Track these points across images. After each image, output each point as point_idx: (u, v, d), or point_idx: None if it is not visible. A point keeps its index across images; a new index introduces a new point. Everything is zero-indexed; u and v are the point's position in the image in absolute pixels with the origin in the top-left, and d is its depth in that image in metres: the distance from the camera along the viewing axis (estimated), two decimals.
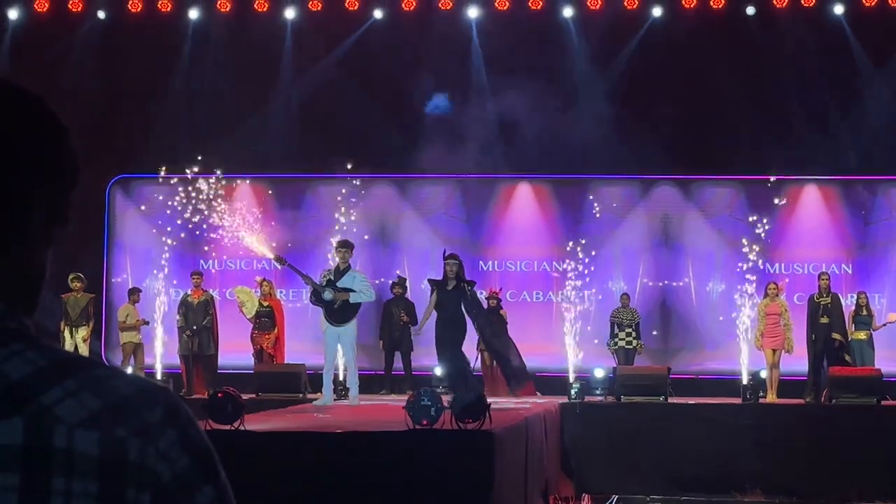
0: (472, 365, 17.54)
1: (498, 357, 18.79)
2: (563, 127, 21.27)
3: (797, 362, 19.59)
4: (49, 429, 1.48)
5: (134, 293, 21.10)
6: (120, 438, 1.50)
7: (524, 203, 22.86)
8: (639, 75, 22.01)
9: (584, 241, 22.04)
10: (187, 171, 21.41)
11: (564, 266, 22.18)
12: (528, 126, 21.34)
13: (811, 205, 22.47)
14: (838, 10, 21.93)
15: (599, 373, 19.52)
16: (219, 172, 21.34)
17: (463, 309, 16.65)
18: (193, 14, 22.58)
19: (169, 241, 22.10)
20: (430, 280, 17.56)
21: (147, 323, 20.69)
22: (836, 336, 19.21)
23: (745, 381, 18.79)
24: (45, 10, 22.59)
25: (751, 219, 21.84)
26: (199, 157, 21.37)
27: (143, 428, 1.52)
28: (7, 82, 1.63)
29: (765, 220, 21.76)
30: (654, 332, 21.74)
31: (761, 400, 18.47)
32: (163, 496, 1.52)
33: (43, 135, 1.63)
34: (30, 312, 1.61)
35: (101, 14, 22.63)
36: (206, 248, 21.94)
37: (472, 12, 22.39)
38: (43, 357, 1.54)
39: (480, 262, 22.68)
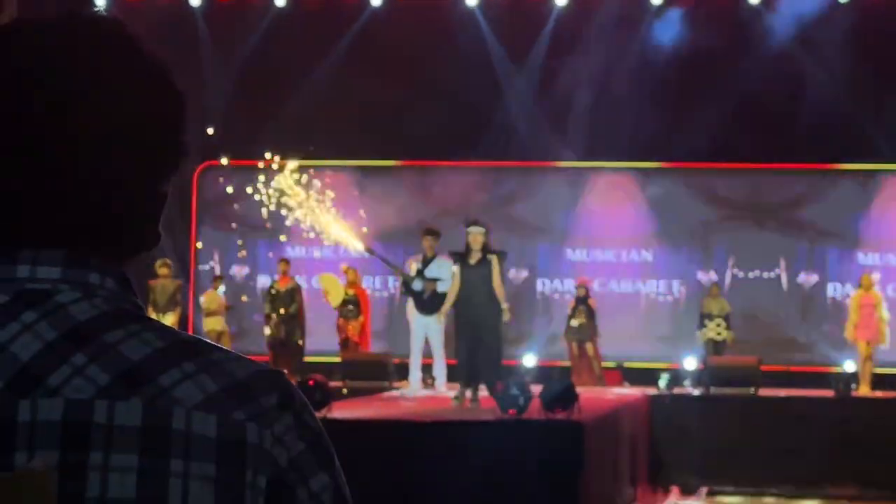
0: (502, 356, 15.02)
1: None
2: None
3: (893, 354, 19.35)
4: (167, 410, 1.46)
5: (217, 280, 21.25)
6: (238, 421, 1.48)
7: (608, 192, 22.70)
8: None
9: (677, 229, 21.91)
10: (276, 159, 21.45)
11: (654, 254, 22.04)
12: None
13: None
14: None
15: (689, 363, 19.35)
16: (308, 160, 21.36)
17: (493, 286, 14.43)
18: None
19: (256, 229, 22.20)
20: (451, 252, 15.41)
21: (231, 308, 20.79)
22: None
23: (837, 374, 18.55)
24: None
25: (844, 209, 21.58)
26: (291, 145, 21.42)
27: (260, 412, 1.50)
28: (144, 48, 1.59)
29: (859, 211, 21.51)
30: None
31: (854, 393, 18.21)
32: (279, 480, 1.50)
33: (173, 113, 1.61)
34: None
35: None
36: (291, 236, 21.99)
37: None
38: (160, 339, 1.51)
39: (568, 251, 22.56)
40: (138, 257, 1.61)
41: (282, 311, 20.07)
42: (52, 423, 1.44)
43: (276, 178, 21.30)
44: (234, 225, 22.78)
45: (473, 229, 14.63)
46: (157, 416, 1.45)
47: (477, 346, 14.15)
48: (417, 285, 16.08)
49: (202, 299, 21.08)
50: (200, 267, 23.16)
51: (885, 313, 19.25)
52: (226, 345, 16.96)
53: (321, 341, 20.69)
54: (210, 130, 21.74)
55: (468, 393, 14.28)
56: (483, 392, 14.02)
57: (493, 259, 14.46)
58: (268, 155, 21.45)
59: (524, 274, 22.56)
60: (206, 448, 1.46)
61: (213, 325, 20.56)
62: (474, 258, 14.43)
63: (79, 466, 1.43)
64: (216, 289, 20.98)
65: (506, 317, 14.58)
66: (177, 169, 1.62)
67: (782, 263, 22.05)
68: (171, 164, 1.61)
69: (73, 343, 1.48)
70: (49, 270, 1.52)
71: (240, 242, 22.65)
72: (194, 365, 1.49)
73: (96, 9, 1.67)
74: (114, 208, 1.55)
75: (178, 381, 1.47)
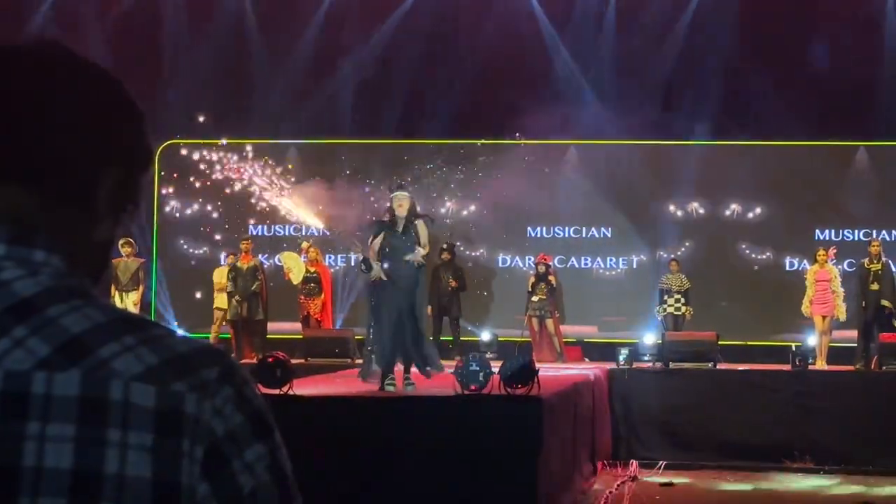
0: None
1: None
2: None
3: (846, 329, 19.52)
4: (105, 381, 1.50)
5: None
6: (177, 392, 1.52)
7: (572, 168, 22.78)
8: None
9: (635, 205, 22.04)
10: (238, 138, 21.47)
11: (613, 231, 22.17)
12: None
13: (861, 169, 22.29)
14: None
15: (648, 339, 19.49)
16: (271, 139, 21.40)
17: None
18: None
19: (217, 207, 22.20)
20: (375, 220, 13.99)
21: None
22: (886, 303, 19.07)
23: (794, 348, 18.71)
24: None
25: (801, 184, 21.76)
26: (253, 122, 21.46)
27: (200, 384, 1.54)
28: (95, 65, 1.67)
29: (815, 185, 21.69)
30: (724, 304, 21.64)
31: (810, 367, 18.38)
32: (215, 450, 1.54)
33: (121, 116, 1.67)
34: (92, 282, 1.64)
35: None
36: (254, 214, 22.03)
37: None
38: (102, 313, 1.56)
39: (528, 229, 22.65)
40: (92, 252, 1.66)
41: (244, 289, 20.07)
42: None
43: (242, 155, 21.25)
44: (195, 203, 22.75)
45: (399, 194, 13.24)
46: (95, 386, 1.49)
47: (403, 321, 12.81)
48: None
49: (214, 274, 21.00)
50: (162, 244, 23.14)
51: (839, 288, 19.41)
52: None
53: (283, 318, 20.77)
54: (201, 118, 21.73)
55: (390, 376, 12.69)
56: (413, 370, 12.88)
57: (420, 225, 13.13)
58: (234, 132, 21.47)
59: (483, 250, 22.64)
60: (144, 418, 1.50)
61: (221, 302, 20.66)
62: (400, 225, 13.08)
63: (16, 436, 1.46)
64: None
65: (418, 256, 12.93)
66: (140, 169, 1.69)
67: (740, 239, 22.20)
68: (129, 165, 1.67)
69: (15, 317, 1.52)
70: None
71: (203, 220, 22.63)
72: (135, 339, 1.54)
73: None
74: (66, 200, 1.61)
75: (117, 353, 1.51)
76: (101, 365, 1.50)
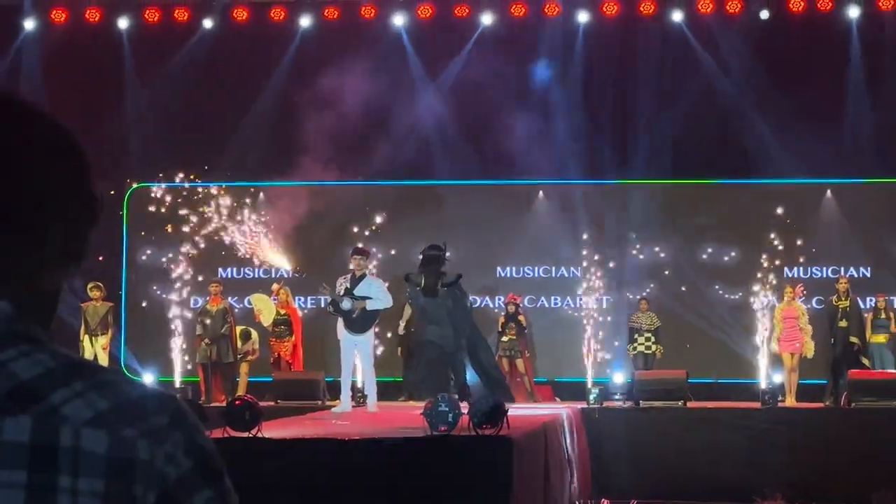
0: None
1: None
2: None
3: (816, 366, 19.58)
4: (56, 427, 1.50)
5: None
6: (128, 438, 1.53)
7: (539, 210, 22.83)
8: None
9: (605, 245, 22.11)
10: (206, 181, 21.47)
11: (583, 271, 22.21)
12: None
13: (829, 208, 22.41)
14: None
15: (619, 378, 19.52)
16: (240, 182, 21.39)
17: None
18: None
19: (187, 251, 22.14)
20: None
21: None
22: (854, 340, 19.16)
23: (763, 386, 18.76)
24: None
25: (769, 223, 21.87)
26: (222, 165, 21.46)
27: (151, 430, 1.55)
28: (42, 113, 1.67)
29: (784, 225, 21.81)
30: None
31: (780, 404, 18.43)
32: (167, 496, 1.55)
33: (68, 169, 1.66)
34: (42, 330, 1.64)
35: (121, 23, 22.70)
36: (223, 256, 21.99)
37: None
38: (52, 359, 1.56)
39: (498, 268, 22.66)
40: (46, 302, 1.66)
41: (214, 332, 20.00)
42: None
43: (211, 198, 21.23)
44: (164, 246, 22.68)
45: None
46: (45, 432, 1.49)
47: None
48: (346, 304, 16.17)
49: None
50: (132, 289, 23.04)
51: (807, 325, 19.49)
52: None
53: (254, 362, 20.71)
54: (170, 156, 21.73)
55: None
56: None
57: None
58: (204, 176, 21.46)
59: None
60: (96, 464, 1.50)
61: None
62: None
63: None
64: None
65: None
66: (88, 221, 1.69)
67: (709, 277, 22.25)
68: (77, 217, 1.67)
69: None
70: None
71: (172, 263, 22.56)
72: (85, 384, 1.54)
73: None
74: (13, 250, 1.61)
75: (67, 398, 1.51)
76: (51, 411, 1.50)
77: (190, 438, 1.58)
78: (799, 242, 22.04)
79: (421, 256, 16.98)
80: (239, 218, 20.82)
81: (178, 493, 1.56)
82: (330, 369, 19.04)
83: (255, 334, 20.67)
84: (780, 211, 22.06)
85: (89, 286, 20.09)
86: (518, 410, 14.33)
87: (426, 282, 15.61)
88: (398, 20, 22.51)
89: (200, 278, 21.92)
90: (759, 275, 21.46)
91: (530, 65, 22.17)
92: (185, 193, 21.85)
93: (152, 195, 22.35)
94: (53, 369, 1.55)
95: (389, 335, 20.94)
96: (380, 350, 19.73)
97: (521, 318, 20.62)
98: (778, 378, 19.53)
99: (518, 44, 22.20)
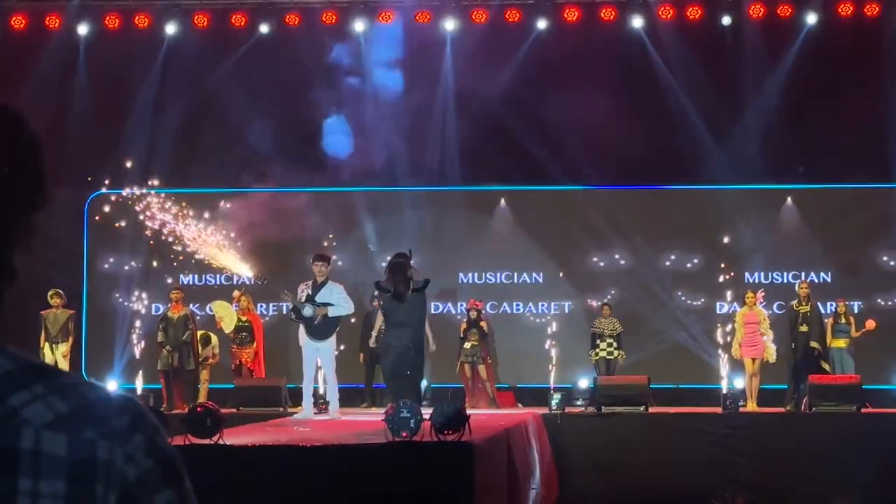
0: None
1: None
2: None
3: (777, 371, 19.66)
4: (16, 430, 1.49)
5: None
6: (89, 440, 1.52)
7: (502, 217, 22.85)
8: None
9: (567, 251, 22.14)
10: (166, 188, 21.38)
11: (544, 277, 22.24)
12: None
13: (790, 214, 22.51)
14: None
15: (581, 383, 19.54)
16: (198, 188, 21.32)
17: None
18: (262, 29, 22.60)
19: (148, 258, 22.05)
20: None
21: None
22: (815, 345, 19.24)
23: (724, 391, 18.82)
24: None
25: (730, 228, 21.96)
26: (183, 171, 21.40)
27: (111, 431, 1.54)
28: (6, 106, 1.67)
29: (744, 229, 21.90)
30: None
31: (741, 409, 18.49)
32: (127, 496, 1.54)
33: (35, 157, 1.65)
34: None
35: (81, 30, 22.59)
36: (184, 263, 21.89)
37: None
38: (11, 362, 1.55)
39: (460, 274, 22.65)
40: None
41: (175, 339, 19.93)
42: None
43: (172, 205, 21.16)
44: (125, 253, 22.58)
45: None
46: (5, 435, 1.48)
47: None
48: (308, 311, 16.14)
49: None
50: (93, 296, 22.93)
51: (768, 330, 19.56)
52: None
53: (215, 368, 20.64)
54: (129, 164, 21.60)
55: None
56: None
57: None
58: (163, 182, 21.37)
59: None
60: (57, 466, 1.49)
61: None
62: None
63: None
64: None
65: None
66: (32, 209, 1.65)
67: (671, 282, 22.31)
68: (25, 205, 1.64)
69: None
70: None
71: (133, 271, 22.47)
72: (45, 387, 1.53)
73: None
74: None
75: (27, 401, 1.51)
76: (11, 413, 1.50)
77: (150, 440, 1.58)
78: (760, 248, 22.12)
79: (386, 264, 16.94)
80: (200, 225, 20.72)
81: (139, 493, 1.55)
82: (292, 376, 19.04)
83: (214, 339, 20.62)
84: (741, 216, 22.14)
85: (50, 294, 19.99)
86: (480, 416, 14.35)
87: (395, 289, 15.56)
88: (359, 26, 22.48)
89: (162, 285, 21.83)
90: (720, 280, 21.55)
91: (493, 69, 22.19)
92: (145, 201, 21.73)
93: (112, 202, 22.23)
94: (12, 372, 1.54)
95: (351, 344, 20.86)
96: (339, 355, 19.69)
97: (483, 324, 20.63)
98: (739, 383, 19.58)
99: (485, 48, 22.20)
